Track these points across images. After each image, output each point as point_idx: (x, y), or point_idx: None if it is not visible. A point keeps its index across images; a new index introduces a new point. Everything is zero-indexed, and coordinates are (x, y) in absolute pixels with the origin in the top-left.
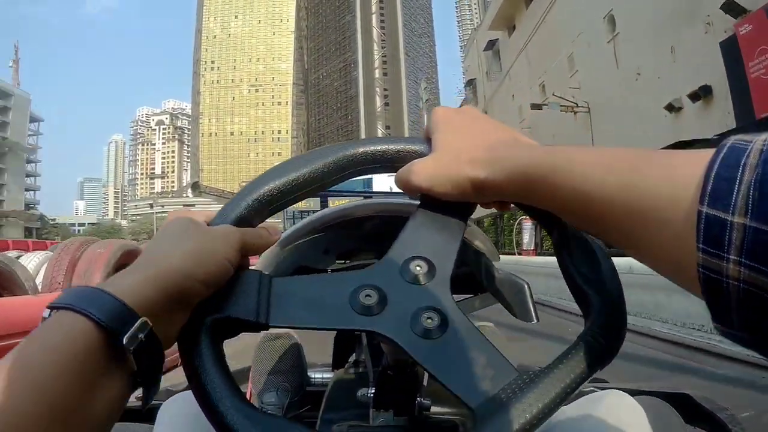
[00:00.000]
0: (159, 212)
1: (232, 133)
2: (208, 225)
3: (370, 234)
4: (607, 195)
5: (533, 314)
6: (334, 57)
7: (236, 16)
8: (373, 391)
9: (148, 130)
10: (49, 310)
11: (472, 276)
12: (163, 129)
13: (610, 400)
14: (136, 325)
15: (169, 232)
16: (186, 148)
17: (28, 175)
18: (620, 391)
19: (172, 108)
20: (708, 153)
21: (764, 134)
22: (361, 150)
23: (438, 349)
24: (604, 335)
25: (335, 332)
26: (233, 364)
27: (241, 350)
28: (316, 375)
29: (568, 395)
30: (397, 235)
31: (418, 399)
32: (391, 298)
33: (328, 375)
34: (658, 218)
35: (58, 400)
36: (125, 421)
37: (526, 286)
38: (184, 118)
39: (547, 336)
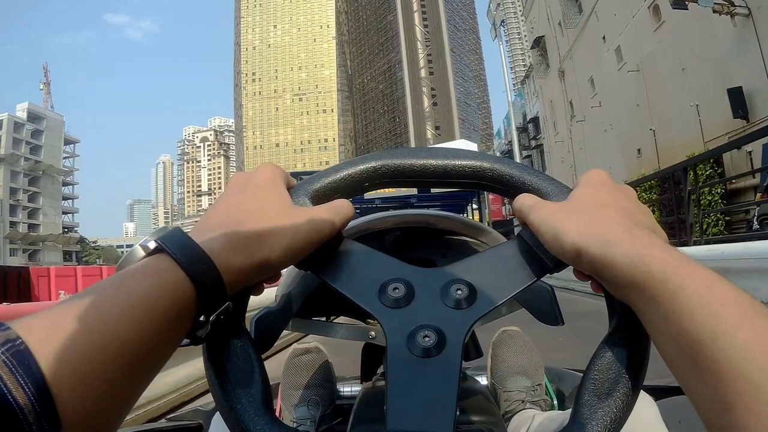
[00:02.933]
0: None
1: (277, 145)
2: (290, 189)
3: (392, 246)
4: (734, 350)
5: (558, 318)
6: (378, 59)
7: (275, 26)
8: None
9: (193, 148)
10: (154, 244)
11: None
12: (208, 145)
13: None
14: (222, 308)
15: (269, 206)
16: (231, 163)
17: (65, 198)
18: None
19: (218, 125)
20: None
21: None
22: (489, 165)
23: (412, 367)
24: None
25: (363, 344)
26: None
27: (269, 366)
28: (346, 388)
29: None
30: (421, 246)
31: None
32: (414, 303)
33: (357, 388)
34: None
35: (150, 337)
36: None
37: (550, 289)
38: (229, 134)
39: (576, 336)
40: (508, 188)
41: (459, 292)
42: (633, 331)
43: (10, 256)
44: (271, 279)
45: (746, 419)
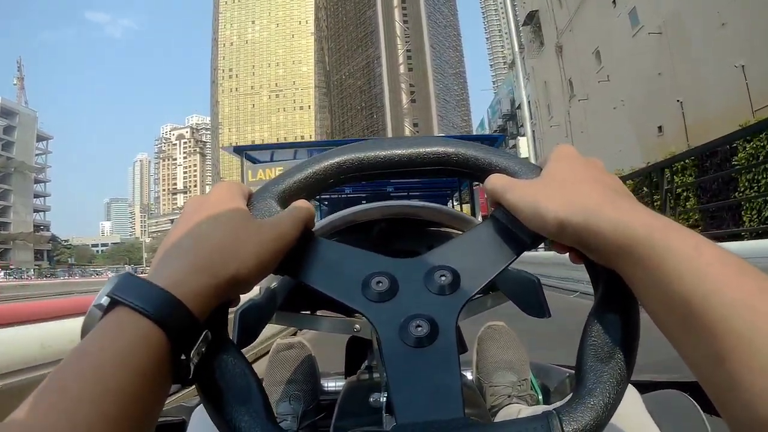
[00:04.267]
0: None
1: (253, 142)
2: (249, 198)
3: (378, 238)
4: (720, 305)
5: (545, 310)
6: (356, 55)
7: (253, 22)
8: (385, 395)
9: (169, 145)
10: (107, 299)
11: None
12: (185, 143)
13: None
14: (201, 338)
15: (226, 221)
16: (207, 160)
17: (36, 196)
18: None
19: (196, 123)
20: None
21: None
22: (454, 150)
23: (409, 357)
24: (571, 428)
25: (347, 339)
26: None
27: (252, 361)
28: (330, 383)
29: None
30: (407, 237)
31: None
32: (400, 294)
33: (341, 383)
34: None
35: (131, 405)
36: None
37: (536, 282)
38: (207, 131)
39: (562, 330)
40: (476, 171)
41: (443, 278)
42: (621, 296)
43: None
44: (246, 290)
45: (739, 372)
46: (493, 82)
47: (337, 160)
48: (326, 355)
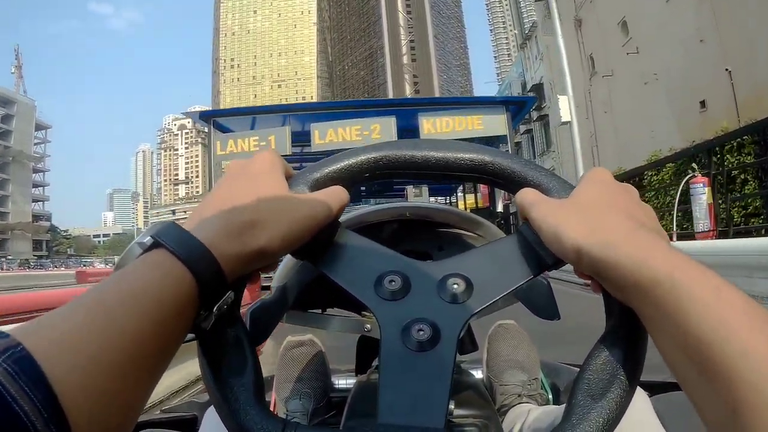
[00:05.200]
0: (182, 218)
1: None
2: (289, 178)
3: (389, 239)
4: (734, 354)
5: (554, 312)
6: (359, 45)
7: (255, 12)
8: None
9: (170, 136)
10: (150, 239)
11: None
12: (186, 133)
13: None
14: (224, 297)
15: (265, 191)
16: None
17: (35, 185)
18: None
19: (199, 113)
20: None
21: None
22: (491, 159)
23: (405, 360)
24: None
25: (358, 337)
26: None
27: (263, 359)
28: (340, 381)
29: None
30: (418, 239)
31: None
32: (410, 296)
33: (352, 381)
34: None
35: (156, 329)
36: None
37: (547, 284)
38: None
39: (572, 331)
40: (510, 183)
41: (455, 286)
42: (631, 332)
43: None
44: (267, 268)
45: (752, 424)
46: (497, 74)
47: (374, 155)
48: (338, 350)
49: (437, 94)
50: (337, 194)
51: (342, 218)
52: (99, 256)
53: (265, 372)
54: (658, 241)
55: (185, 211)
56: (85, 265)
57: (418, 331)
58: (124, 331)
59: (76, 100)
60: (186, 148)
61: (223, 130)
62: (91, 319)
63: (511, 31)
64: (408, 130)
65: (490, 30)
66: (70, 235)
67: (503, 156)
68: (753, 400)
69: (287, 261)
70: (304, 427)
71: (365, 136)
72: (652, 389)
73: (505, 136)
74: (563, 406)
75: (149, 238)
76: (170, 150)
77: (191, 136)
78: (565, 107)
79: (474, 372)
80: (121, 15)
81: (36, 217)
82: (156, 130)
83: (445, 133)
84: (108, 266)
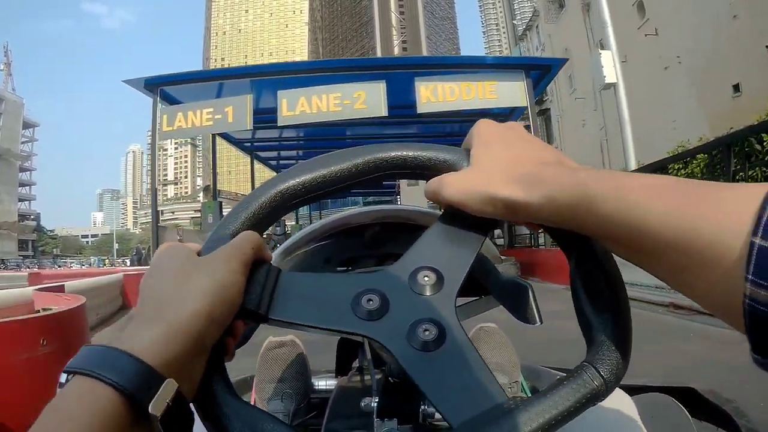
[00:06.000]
0: (170, 219)
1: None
2: (200, 252)
3: (371, 241)
4: (654, 226)
5: (536, 317)
6: (351, 45)
7: (246, 11)
8: (376, 399)
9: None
10: (65, 375)
11: (475, 279)
12: None
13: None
14: (162, 389)
15: (172, 269)
16: (198, 150)
17: (21, 185)
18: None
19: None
20: (762, 187)
21: None
22: (393, 153)
23: (430, 362)
24: (603, 373)
25: (338, 338)
26: (236, 374)
27: (243, 358)
28: (320, 382)
29: (553, 428)
30: (400, 242)
31: (422, 407)
32: (393, 306)
33: (332, 382)
34: (708, 249)
35: None
36: None
37: (529, 288)
38: None
39: (552, 335)
40: (420, 170)
41: (426, 278)
42: (590, 249)
43: None
44: (230, 336)
45: (697, 272)
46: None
47: (279, 189)
48: (317, 351)
49: None
50: (243, 237)
51: (314, 226)
52: (86, 256)
53: (246, 372)
54: (563, 170)
55: (173, 212)
56: (59, 267)
57: (424, 332)
58: None
59: (67, 100)
60: (175, 148)
61: (170, 101)
62: None
63: (503, 32)
64: (400, 100)
65: (483, 32)
66: (56, 235)
67: (401, 147)
68: (688, 253)
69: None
70: None
71: (346, 106)
72: (632, 391)
73: (524, 108)
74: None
75: (63, 375)
76: (160, 150)
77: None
78: (608, 65)
79: None
80: (113, 14)
81: (22, 217)
82: (146, 131)
83: (449, 102)
84: (83, 267)
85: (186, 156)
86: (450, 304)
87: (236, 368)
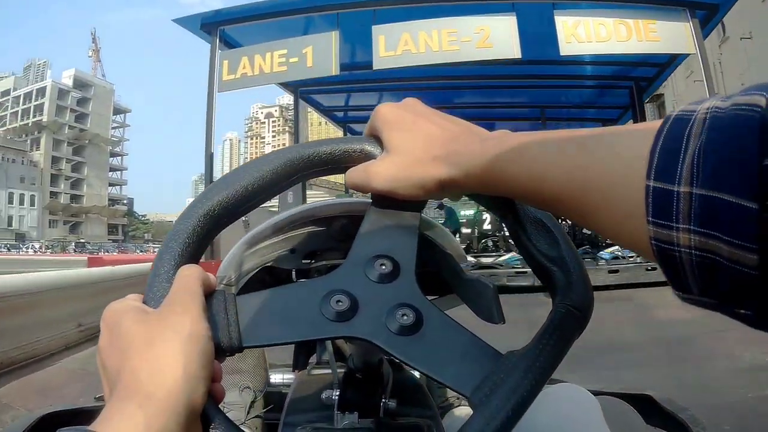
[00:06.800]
0: (270, 205)
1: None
2: (144, 302)
3: (338, 233)
4: (558, 176)
5: (499, 316)
6: None
7: None
8: (337, 393)
9: (257, 124)
10: None
11: (438, 277)
12: (273, 121)
13: (565, 392)
14: None
15: (131, 337)
16: (294, 140)
17: (112, 169)
18: (575, 385)
19: (287, 104)
20: (654, 126)
21: (707, 101)
22: (308, 152)
23: (419, 344)
24: (577, 306)
25: None
26: None
27: None
28: (277, 375)
29: (555, 367)
30: None
31: (384, 401)
32: (362, 301)
33: (289, 376)
34: (608, 196)
35: None
36: None
37: (492, 287)
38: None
39: (515, 326)
40: (338, 164)
41: (383, 267)
42: (513, 207)
43: (49, 227)
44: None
45: (603, 223)
46: None
47: (206, 210)
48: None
49: None
50: (184, 277)
51: (283, 215)
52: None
53: None
54: (473, 138)
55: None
56: (142, 252)
57: (402, 317)
58: None
59: (163, 89)
60: (273, 136)
61: (232, 44)
62: None
63: None
64: (535, 37)
65: None
66: (148, 220)
67: (317, 144)
68: (581, 206)
69: (235, 249)
70: None
71: (465, 45)
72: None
73: (687, 57)
74: None
75: None
76: (257, 138)
77: (278, 125)
78: None
79: (413, 371)
80: (206, 4)
81: (113, 201)
82: (243, 119)
83: (600, 43)
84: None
85: (284, 143)
86: (413, 285)
87: None
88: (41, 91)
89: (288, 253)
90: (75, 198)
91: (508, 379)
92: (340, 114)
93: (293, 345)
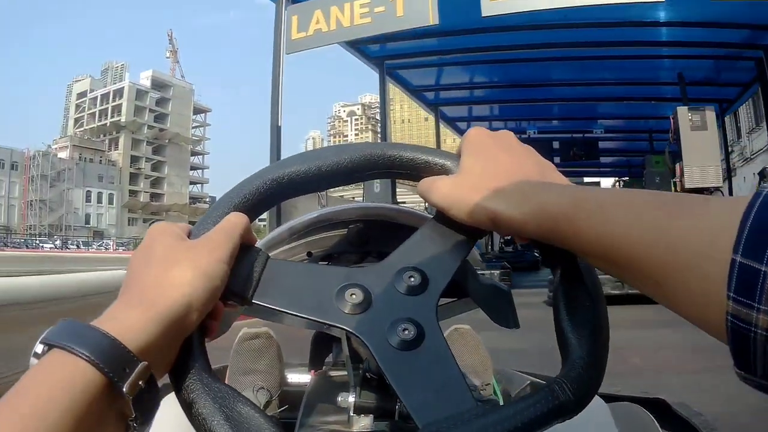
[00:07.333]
0: (357, 196)
1: (426, 119)
2: (189, 235)
3: (354, 237)
4: (635, 241)
5: (513, 321)
6: None
7: None
8: (353, 396)
9: (340, 122)
10: (42, 346)
11: (454, 280)
12: (356, 119)
13: None
14: (136, 371)
15: (158, 255)
16: (379, 138)
17: (193, 168)
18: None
19: (369, 102)
20: (743, 201)
21: None
22: (391, 153)
23: (406, 361)
24: (574, 390)
25: (313, 332)
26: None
27: (218, 348)
28: (293, 375)
29: None
30: (383, 239)
31: (399, 405)
32: (375, 302)
33: (305, 376)
34: (689, 265)
35: None
36: None
37: (507, 293)
38: (378, 110)
39: (528, 339)
40: (415, 171)
41: (412, 279)
42: (571, 263)
43: (129, 225)
44: (212, 318)
45: (675, 295)
46: None
47: (276, 175)
48: (290, 344)
49: None
50: (229, 221)
51: (301, 219)
52: (259, 238)
53: (219, 362)
54: (548, 185)
55: (353, 197)
56: None
57: (403, 331)
58: None
59: (248, 90)
60: (356, 134)
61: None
62: None
63: None
64: None
65: None
66: None
67: (393, 147)
68: (668, 266)
69: (247, 250)
70: None
71: None
72: (606, 400)
73: None
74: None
75: (39, 345)
76: (340, 136)
77: (361, 122)
78: None
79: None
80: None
81: (194, 199)
82: (326, 118)
83: None
84: None
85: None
86: (432, 307)
87: (210, 359)
88: (119, 92)
89: (304, 257)
90: (155, 196)
91: (461, 428)
92: (431, 95)
93: (310, 344)
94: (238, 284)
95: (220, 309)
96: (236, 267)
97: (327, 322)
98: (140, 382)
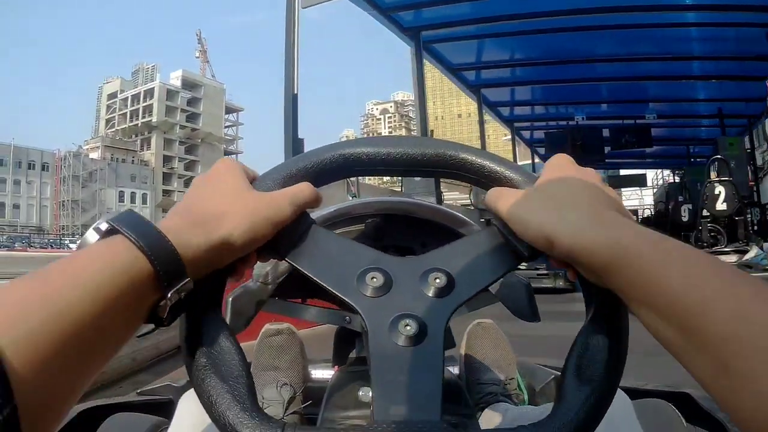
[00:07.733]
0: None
1: (459, 116)
2: (253, 180)
3: (372, 232)
4: (697, 300)
5: (534, 314)
6: None
7: None
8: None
9: (373, 120)
10: (106, 225)
11: None
12: (389, 117)
13: None
14: (182, 283)
15: (228, 187)
16: (413, 134)
17: None
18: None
19: (402, 99)
20: None
21: None
22: (463, 156)
23: (395, 354)
24: None
25: (336, 328)
26: None
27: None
28: (317, 371)
29: None
30: (401, 234)
31: None
32: (393, 291)
33: (329, 371)
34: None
35: (95, 321)
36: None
37: (527, 286)
38: (411, 107)
39: (550, 333)
40: (484, 179)
41: (437, 280)
42: (613, 317)
43: None
44: (245, 263)
45: (743, 377)
46: None
47: (340, 152)
48: (313, 340)
49: None
50: (300, 191)
51: (319, 213)
52: None
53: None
54: (624, 221)
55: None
56: None
57: (405, 326)
58: (71, 310)
59: (278, 89)
60: (389, 132)
61: None
62: (32, 294)
63: None
64: None
65: None
66: None
67: (468, 150)
68: (740, 354)
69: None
70: (303, 429)
71: None
72: (632, 394)
73: None
74: (541, 407)
75: (105, 224)
76: (374, 134)
77: (394, 120)
78: None
79: (450, 368)
80: (323, 10)
81: None
82: (359, 116)
83: None
84: None
85: None
86: (445, 313)
87: None
88: (149, 93)
89: None
90: None
91: None
92: (472, 75)
93: (333, 340)
94: (277, 241)
95: (253, 257)
96: (286, 227)
97: (338, 294)
98: (182, 294)
